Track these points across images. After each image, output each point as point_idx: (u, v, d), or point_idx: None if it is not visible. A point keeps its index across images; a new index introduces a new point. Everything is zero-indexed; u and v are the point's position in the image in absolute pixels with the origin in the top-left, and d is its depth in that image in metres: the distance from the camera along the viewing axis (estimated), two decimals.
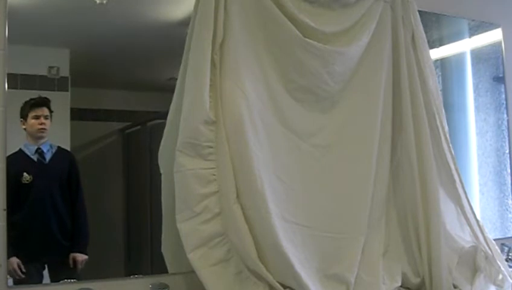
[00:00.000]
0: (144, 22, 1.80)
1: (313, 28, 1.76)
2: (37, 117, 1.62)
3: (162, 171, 1.68)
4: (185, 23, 1.70)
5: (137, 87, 1.86)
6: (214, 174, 1.59)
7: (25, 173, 1.61)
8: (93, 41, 1.73)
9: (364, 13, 1.88)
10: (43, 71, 1.65)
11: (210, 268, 1.56)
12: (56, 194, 1.67)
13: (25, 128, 1.62)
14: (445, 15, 2.39)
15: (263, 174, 1.60)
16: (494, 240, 2.05)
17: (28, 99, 1.61)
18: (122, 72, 1.81)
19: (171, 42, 1.82)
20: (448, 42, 2.48)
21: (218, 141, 1.59)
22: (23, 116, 1.61)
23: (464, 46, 2.52)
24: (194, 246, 1.55)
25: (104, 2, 1.70)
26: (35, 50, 1.65)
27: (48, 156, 1.66)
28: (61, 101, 1.68)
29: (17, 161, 1.59)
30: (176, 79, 1.67)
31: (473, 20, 2.50)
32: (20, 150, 1.62)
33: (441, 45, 2.42)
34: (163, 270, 1.69)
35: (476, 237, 1.95)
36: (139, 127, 1.88)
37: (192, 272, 1.56)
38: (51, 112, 1.64)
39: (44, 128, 1.64)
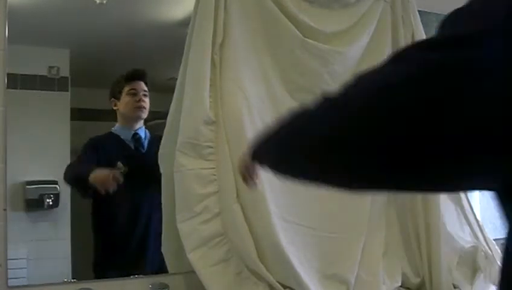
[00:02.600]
0: (144, 22, 1.80)
1: (313, 28, 1.76)
2: (134, 93, 1.41)
3: (162, 171, 1.68)
4: (185, 23, 1.70)
5: None
6: (214, 174, 1.59)
7: (119, 163, 1.42)
8: (93, 41, 1.73)
9: (364, 13, 1.88)
10: (43, 71, 1.65)
11: (210, 268, 1.56)
12: (148, 187, 1.51)
13: (116, 109, 1.42)
14: (445, 15, 2.38)
15: (263, 174, 1.60)
16: (494, 240, 2.05)
17: (122, 74, 1.39)
18: (122, 72, 1.81)
19: (171, 42, 1.82)
20: None
21: (218, 141, 1.59)
22: (116, 94, 1.42)
23: None
24: (194, 246, 1.55)
25: (104, 2, 1.70)
26: (35, 50, 1.65)
27: (145, 144, 1.47)
28: (61, 101, 1.68)
29: (111, 146, 1.40)
30: (176, 79, 1.67)
31: None
32: (112, 133, 1.43)
33: None
34: (163, 270, 1.69)
35: (476, 237, 1.95)
36: None
37: (192, 272, 1.56)
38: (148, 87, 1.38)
39: (144, 107, 1.42)
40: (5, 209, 1.51)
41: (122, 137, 1.41)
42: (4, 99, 1.53)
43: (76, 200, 1.66)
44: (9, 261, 1.51)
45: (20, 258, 1.56)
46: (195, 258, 1.55)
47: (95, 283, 1.59)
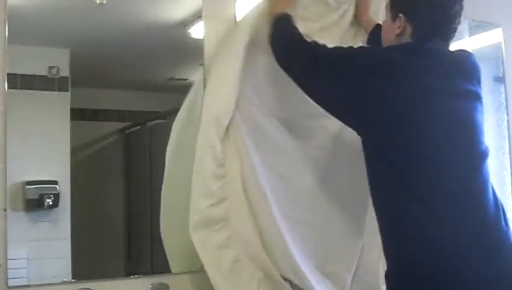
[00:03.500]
0: (144, 22, 1.80)
1: None
2: None
3: (167, 164, 1.68)
4: (185, 23, 1.70)
5: (137, 87, 1.86)
6: (224, 158, 1.61)
7: None
8: (93, 41, 1.73)
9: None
10: (43, 71, 1.65)
11: (211, 251, 1.58)
12: None
13: None
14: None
15: (263, 171, 1.61)
16: None
17: None
18: (122, 72, 1.82)
19: (171, 42, 1.82)
20: None
21: (231, 126, 1.62)
22: None
23: (464, 46, 2.52)
24: (199, 226, 1.57)
25: (104, 2, 1.70)
26: (35, 50, 1.65)
27: None
28: (61, 101, 1.68)
29: None
30: (176, 79, 1.67)
31: (473, 20, 2.50)
32: None
33: None
34: (163, 270, 1.69)
35: None
36: (139, 127, 1.88)
37: (192, 272, 1.57)
38: None
39: None
40: (5, 209, 1.51)
41: None
42: (4, 99, 1.53)
43: (76, 200, 1.66)
44: (9, 261, 1.51)
45: (20, 258, 1.56)
46: (198, 238, 1.56)
47: (95, 283, 1.59)
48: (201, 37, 1.80)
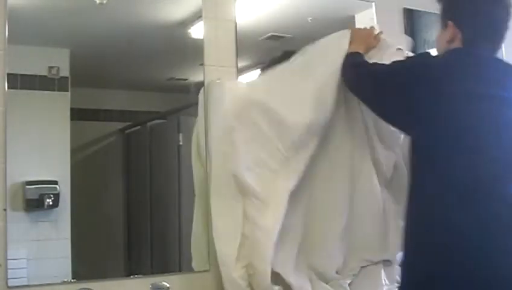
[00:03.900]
0: (144, 22, 1.80)
1: None
2: None
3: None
4: (184, 23, 1.70)
5: (137, 87, 1.86)
6: None
7: None
8: (93, 41, 1.73)
9: None
10: (43, 71, 1.65)
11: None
12: None
13: None
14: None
15: None
16: None
17: None
18: (122, 72, 1.82)
19: (171, 42, 1.82)
20: None
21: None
22: None
23: None
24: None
25: (104, 2, 1.70)
26: (35, 50, 1.65)
27: None
28: (61, 101, 1.68)
29: None
30: (176, 79, 1.67)
31: None
32: None
33: None
34: (163, 270, 1.69)
35: None
36: (139, 127, 1.88)
37: (192, 272, 1.57)
38: None
39: None
40: (5, 209, 1.51)
41: None
42: (4, 99, 1.53)
43: (76, 200, 1.66)
44: (9, 261, 1.51)
45: (20, 258, 1.56)
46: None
47: (95, 283, 1.59)
48: (201, 37, 1.80)
